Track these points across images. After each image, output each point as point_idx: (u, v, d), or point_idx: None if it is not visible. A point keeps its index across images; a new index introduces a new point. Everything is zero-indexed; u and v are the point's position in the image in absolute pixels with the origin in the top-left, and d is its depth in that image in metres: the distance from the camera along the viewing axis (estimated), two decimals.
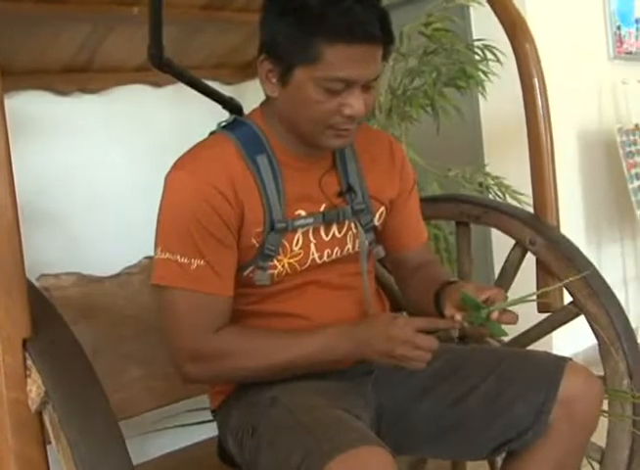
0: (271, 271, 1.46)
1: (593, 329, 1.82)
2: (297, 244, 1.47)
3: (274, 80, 1.39)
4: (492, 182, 2.76)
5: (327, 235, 1.51)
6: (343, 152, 1.53)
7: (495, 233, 3.26)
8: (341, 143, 1.41)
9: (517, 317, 1.37)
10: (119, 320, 1.91)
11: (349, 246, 1.54)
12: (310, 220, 1.47)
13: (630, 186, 4.21)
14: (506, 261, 1.97)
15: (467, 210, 2.03)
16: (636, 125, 4.39)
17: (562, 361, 1.49)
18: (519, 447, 1.49)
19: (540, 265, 1.93)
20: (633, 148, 4.34)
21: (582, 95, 4.10)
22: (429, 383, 1.52)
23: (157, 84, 2.60)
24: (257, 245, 1.44)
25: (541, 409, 1.45)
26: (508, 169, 3.02)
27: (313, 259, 1.49)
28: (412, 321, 1.34)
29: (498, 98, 3.05)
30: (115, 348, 1.88)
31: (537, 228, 1.91)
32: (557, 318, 1.90)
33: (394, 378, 1.55)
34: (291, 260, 1.47)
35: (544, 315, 1.93)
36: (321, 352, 1.38)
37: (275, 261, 1.46)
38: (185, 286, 1.37)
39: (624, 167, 4.23)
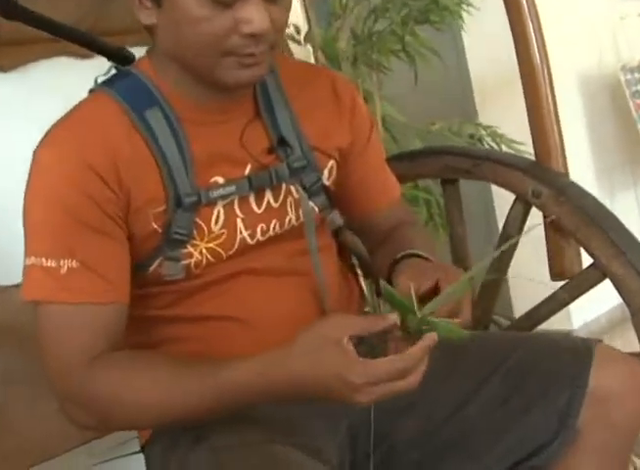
0: (185, 262, 1.09)
1: (622, 295, 1.44)
2: (217, 222, 1.10)
3: (148, 3, 1.03)
4: (485, 133, 2.38)
5: (259, 206, 1.14)
6: (268, 95, 1.16)
7: (497, 190, 2.90)
8: (248, 76, 1.04)
9: (469, 313, 1.04)
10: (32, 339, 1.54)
11: (292, 216, 1.17)
12: (232, 189, 1.10)
13: (639, 127, 3.85)
14: (506, 222, 1.58)
15: (453, 163, 1.66)
16: None
17: (589, 345, 1.12)
18: (541, 464, 1.12)
19: (548, 223, 1.54)
20: None
21: (579, 36, 3.73)
22: (412, 394, 1.16)
23: (82, 56, 2.24)
24: (161, 229, 1.07)
25: (567, 412, 1.10)
26: (502, 118, 2.64)
27: (243, 240, 1.12)
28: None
29: (483, 35, 2.67)
30: (31, 373, 1.52)
31: (541, 177, 1.53)
32: (575, 285, 1.52)
33: None
34: (211, 245, 1.10)
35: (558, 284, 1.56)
36: (235, 401, 1.00)
37: (189, 248, 1.09)
38: (53, 297, 1.01)
39: (632, 108, 3.86)
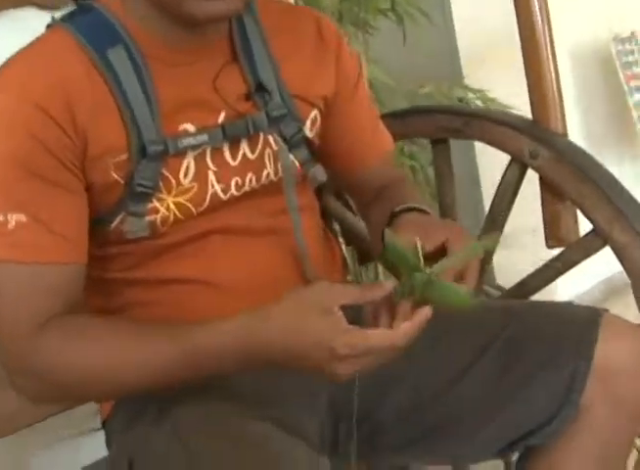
0: (150, 218, 0.98)
1: (624, 264, 1.34)
2: (186, 174, 0.99)
3: None
4: (475, 96, 2.27)
5: (234, 158, 1.03)
6: (246, 37, 1.05)
7: (482, 154, 2.78)
8: (218, 9, 0.92)
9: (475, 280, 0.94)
10: None
11: (270, 170, 1.06)
12: (204, 138, 0.99)
13: (631, 100, 3.75)
14: (500, 185, 1.48)
15: (444, 122, 1.54)
16: (632, 33, 3.92)
17: (595, 314, 1.02)
18: (539, 443, 1.03)
19: (546, 186, 1.44)
20: (631, 57, 3.86)
21: (571, 6, 3.62)
22: (399, 366, 1.06)
23: (50, 8, 2.11)
24: (123, 181, 0.96)
25: (570, 387, 1.00)
26: (492, 82, 2.53)
27: (215, 195, 1.02)
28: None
29: None
30: None
31: (539, 137, 1.42)
32: (572, 254, 1.42)
33: None
34: (179, 199, 0.99)
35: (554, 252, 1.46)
36: (208, 366, 0.91)
37: (155, 203, 0.98)
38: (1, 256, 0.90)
39: (622, 80, 3.77)
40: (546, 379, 1.01)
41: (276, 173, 1.06)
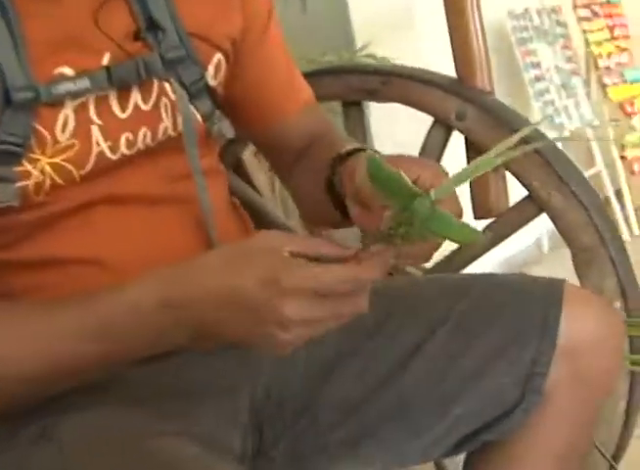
0: (21, 183, 0.79)
1: (562, 232, 1.22)
2: (64, 129, 0.80)
3: None
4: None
5: (123, 109, 0.85)
6: None
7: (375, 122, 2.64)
8: None
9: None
10: None
11: (168, 124, 0.89)
12: (85, 83, 0.80)
13: (526, 77, 3.71)
14: (423, 149, 1.33)
15: (358, 83, 1.39)
16: (526, 9, 3.88)
17: (555, 286, 0.88)
18: (499, 437, 0.89)
19: (473, 151, 1.31)
20: (525, 34, 3.81)
21: None
22: (337, 350, 0.90)
23: None
24: None
25: (532, 371, 0.87)
26: (396, 51, 2.40)
27: (101, 155, 0.83)
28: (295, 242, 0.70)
29: None
30: None
31: (466, 95, 1.29)
32: (506, 224, 1.29)
33: None
34: (57, 160, 0.80)
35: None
36: (122, 343, 0.73)
37: (26, 164, 0.79)
38: None
39: (518, 55, 3.72)
40: (505, 362, 0.87)
41: (175, 128, 0.88)
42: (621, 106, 4.18)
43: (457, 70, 1.33)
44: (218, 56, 0.93)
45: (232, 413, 0.85)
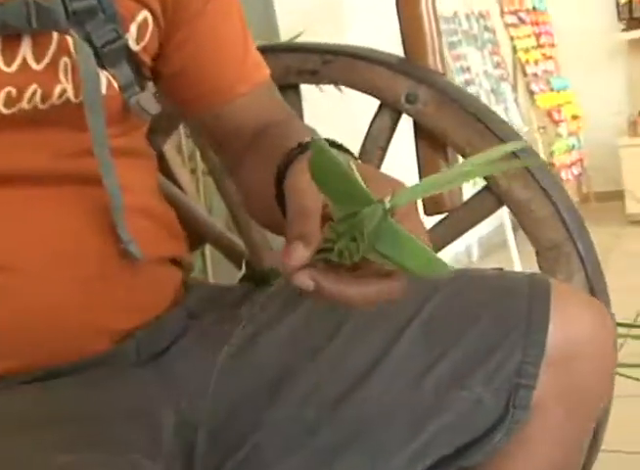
0: None
1: (525, 228, 1.10)
2: None
3: None
4: None
5: (8, 63, 0.69)
6: None
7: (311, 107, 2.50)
8: None
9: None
10: None
11: (67, 86, 0.73)
12: None
13: (457, 80, 3.63)
14: (367, 136, 1.19)
15: (295, 63, 1.24)
16: (455, 12, 3.81)
17: (541, 284, 0.75)
18: (480, 460, 0.75)
19: (424, 138, 1.18)
20: (455, 37, 3.74)
21: None
22: (282, 368, 0.76)
23: None
24: None
25: (516, 382, 0.73)
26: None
27: None
28: None
29: None
30: None
31: (418, 76, 1.16)
32: (461, 218, 1.16)
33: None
34: None
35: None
36: None
37: None
38: None
39: (449, 60, 3.64)
40: (484, 372, 0.73)
41: (78, 94, 0.72)
42: (549, 113, 4.15)
43: (406, 49, 1.21)
44: (144, 14, 0.77)
45: (148, 442, 0.69)
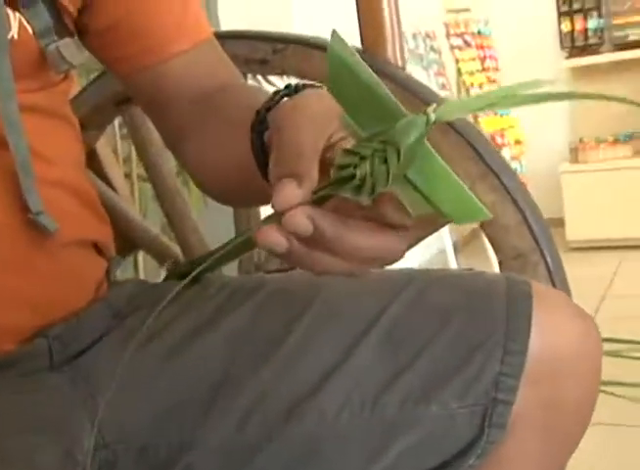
0: None
1: (489, 234, 1.02)
2: None
3: None
4: None
5: None
6: None
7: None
8: None
9: None
10: None
11: None
12: None
13: None
14: None
15: (244, 51, 1.15)
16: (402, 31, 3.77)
17: (521, 286, 0.66)
18: None
19: None
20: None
21: None
22: (218, 379, 0.66)
23: None
24: None
25: (493, 397, 0.64)
26: None
27: None
28: None
29: None
30: None
31: (377, 68, 1.05)
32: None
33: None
34: None
35: None
36: None
37: None
38: None
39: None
40: (457, 384, 0.64)
41: None
42: (492, 137, 4.13)
43: (363, 40, 1.12)
44: None
45: (59, 460, 0.58)
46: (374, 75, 0.45)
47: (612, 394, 1.02)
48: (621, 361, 1.06)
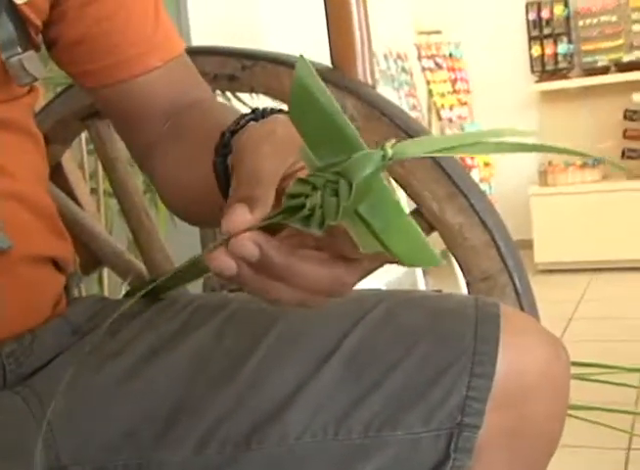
0: None
1: (457, 255, 1.01)
2: None
3: None
4: None
5: None
6: None
7: None
8: None
9: None
10: None
11: None
12: None
13: None
14: None
15: (213, 67, 1.14)
16: (373, 52, 3.78)
17: (488, 308, 0.65)
18: None
19: None
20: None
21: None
22: (182, 390, 0.64)
23: None
24: None
25: (459, 421, 0.63)
26: None
27: None
28: None
29: None
30: None
31: (347, 86, 1.07)
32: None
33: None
34: None
35: None
36: None
37: None
38: None
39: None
40: (422, 408, 0.62)
41: None
42: (462, 159, 4.15)
43: (333, 59, 1.12)
44: None
45: None
46: (336, 105, 0.44)
47: (576, 417, 1.01)
48: (586, 384, 1.06)
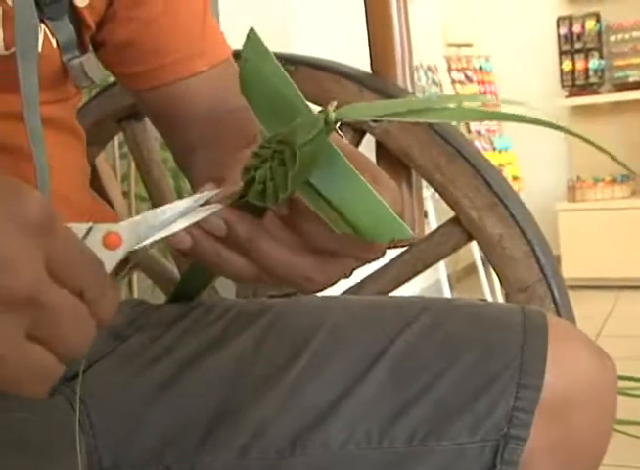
0: None
1: (496, 266, 1.00)
2: None
3: None
4: None
5: None
6: None
7: None
8: None
9: None
10: None
11: None
12: None
13: None
14: None
15: None
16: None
17: (536, 318, 0.64)
18: None
19: (386, 156, 1.07)
20: None
21: None
22: (224, 396, 0.64)
23: None
24: None
25: (506, 433, 0.61)
26: None
27: None
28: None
29: None
30: None
31: (387, 93, 1.06)
32: (423, 253, 1.05)
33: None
34: None
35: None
36: None
37: None
38: None
39: None
40: (468, 418, 0.61)
41: (9, 45, 0.60)
42: None
43: (373, 65, 1.11)
44: None
45: None
46: (285, 76, 0.43)
47: (621, 432, 0.99)
48: (626, 399, 1.04)
